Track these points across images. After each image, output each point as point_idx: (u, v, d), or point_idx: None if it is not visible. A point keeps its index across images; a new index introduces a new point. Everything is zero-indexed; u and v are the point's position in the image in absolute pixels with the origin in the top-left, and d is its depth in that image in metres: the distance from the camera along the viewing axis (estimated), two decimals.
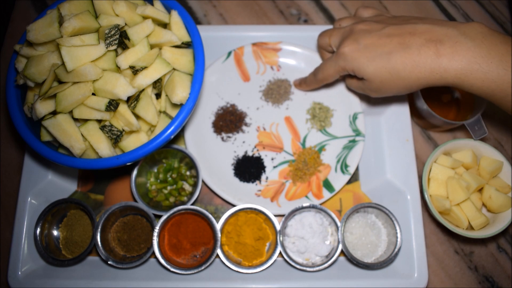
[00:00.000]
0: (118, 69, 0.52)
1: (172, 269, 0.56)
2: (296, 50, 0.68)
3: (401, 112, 0.64)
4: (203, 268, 0.56)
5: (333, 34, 0.58)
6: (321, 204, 0.62)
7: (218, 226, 0.58)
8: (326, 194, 0.62)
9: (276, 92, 0.67)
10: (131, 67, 0.51)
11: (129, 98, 0.52)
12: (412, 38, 0.50)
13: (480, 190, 0.61)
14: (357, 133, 0.64)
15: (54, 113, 0.52)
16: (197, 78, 0.54)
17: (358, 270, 0.59)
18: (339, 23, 0.60)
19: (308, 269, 0.57)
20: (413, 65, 0.50)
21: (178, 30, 0.56)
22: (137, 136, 0.54)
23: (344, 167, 0.63)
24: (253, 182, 0.63)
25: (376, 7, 0.76)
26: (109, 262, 0.56)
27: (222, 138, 0.66)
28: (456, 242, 0.64)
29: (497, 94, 0.47)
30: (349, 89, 0.65)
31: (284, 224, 0.58)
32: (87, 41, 0.50)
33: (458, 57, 0.47)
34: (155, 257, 0.58)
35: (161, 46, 0.55)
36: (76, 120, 0.53)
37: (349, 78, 0.61)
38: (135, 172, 0.60)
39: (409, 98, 0.66)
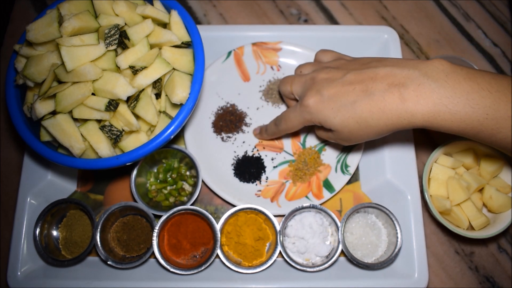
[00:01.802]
0: (118, 69, 0.52)
1: (171, 270, 0.56)
2: (296, 50, 0.68)
3: None
4: (203, 268, 0.56)
5: (294, 82, 0.57)
6: (321, 204, 0.61)
7: (218, 226, 0.57)
8: (326, 194, 0.62)
9: (276, 92, 0.67)
10: (131, 67, 0.51)
11: (129, 98, 0.52)
12: (374, 84, 0.48)
13: (481, 190, 0.61)
14: None
15: (53, 113, 0.52)
16: (197, 78, 0.54)
17: (358, 270, 0.59)
18: (300, 70, 0.59)
19: (308, 269, 0.57)
20: (379, 112, 0.48)
21: (178, 30, 0.56)
22: (137, 136, 0.54)
23: (344, 167, 0.63)
24: (253, 182, 0.63)
25: (376, 7, 0.76)
26: (108, 262, 0.56)
27: (222, 138, 0.65)
28: (456, 242, 0.64)
29: (469, 132, 0.46)
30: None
31: (284, 224, 0.58)
32: (86, 41, 0.50)
33: (423, 101, 0.46)
34: (155, 258, 0.57)
35: (161, 46, 0.55)
36: (75, 120, 0.53)
37: (317, 128, 0.59)
38: (134, 172, 0.60)
39: None
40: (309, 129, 0.66)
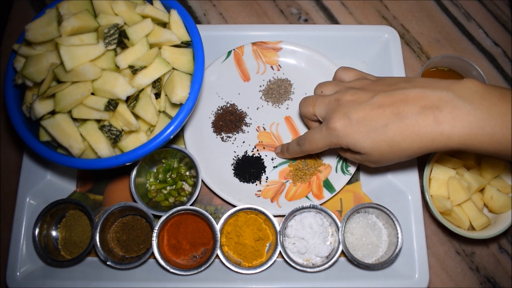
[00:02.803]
0: (117, 68, 0.52)
1: (171, 270, 0.56)
2: (296, 49, 0.68)
3: None
4: (202, 269, 0.56)
5: (317, 104, 0.54)
6: (321, 204, 0.61)
7: (217, 226, 0.57)
8: (327, 195, 0.62)
9: (276, 91, 0.67)
10: (131, 67, 0.51)
11: (128, 98, 0.52)
12: (406, 107, 0.47)
13: (482, 190, 0.61)
14: None
15: (52, 113, 0.52)
16: (196, 77, 0.54)
17: (359, 270, 0.59)
18: (321, 90, 0.56)
19: (308, 269, 0.57)
20: (413, 135, 0.47)
21: (178, 30, 0.56)
22: (137, 136, 0.54)
23: (344, 167, 0.63)
24: (253, 182, 0.63)
25: (376, 6, 0.76)
26: (108, 263, 0.56)
27: (222, 138, 0.65)
28: (457, 242, 0.64)
29: (505, 153, 0.45)
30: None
31: (284, 225, 0.58)
32: (86, 41, 0.49)
33: (460, 123, 0.45)
34: (154, 258, 0.57)
35: (160, 45, 0.55)
36: (75, 120, 0.52)
37: (343, 150, 0.56)
38: (134, 172, 0.60)
39: None
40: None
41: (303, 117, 0.59)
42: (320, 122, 0.56)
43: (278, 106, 0.67)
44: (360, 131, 0.49)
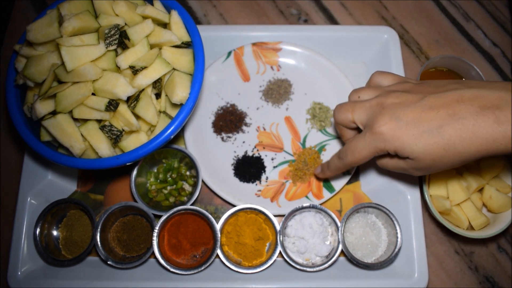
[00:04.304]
0: (118, 69, 0.52)
1: (171, 269, 0.56)
2: (296, 50, 0.68)
3: None
4: (203, 268, 0.56)
5: (356, 109, 0.50)
6: (321, 204, 0.61)
7: (218, 226, 0.57)
8: (326, 194, 0.62)
9: (276, 92, 0.67)
10: (131, 67, 0.51)
11: (129, 98, 0.52)
12: (462, 107, 0.44)
13: (481, 190, 0.61)
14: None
15: (53, 113, 0.52)
16: (197, 78, 0.54)
17: (358, 270, 0.59)
18: (358, 95, 0.52)
19: (308, 269, 0.57)
20: (471, 137, 0.43)
21: (178, 30, 0.56)
22: (137, 136, 0.54)
23: None
24: (253, 182, 0.63)
25: (376, 7, 0.76)
26: (108, 262, 0.56)
27: (222, 138, 0.65)
28: (456, 242, 0.64)
29: None
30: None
31: (284, 224, 0.58)
32: (87, 41, 0.50)
33: None
34: (155, 257, 0.57)
35: (161, 46, 0.55)
36: (76, 120, 0.53)
37: (382, 158, 0.52)
38: (135, 172, 0.60)
39: None
40: (309, 128, 0.66)
41: (338, 125, 0.54)
42: (359, 131, 0.53)
43: (278, 106, 0.67)
44: (411, 133, 0.45)
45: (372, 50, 0.69)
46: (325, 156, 0.64)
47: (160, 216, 0.58)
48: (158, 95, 0.56)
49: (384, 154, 0.50)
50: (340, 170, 0.56)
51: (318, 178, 0.63)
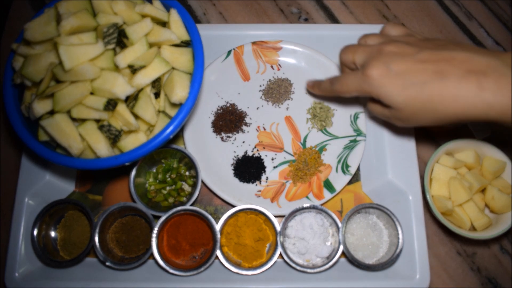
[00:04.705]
0: (116, 68, 0.52)
1: (171, 271, 0.56)
2: (296, 49, 0.68)
3: None
4: (202, 269, 0.56)
5: (358, 51, 0.52)
6: (321, 204, 0.61)
7: (217, 227, 0.57)
8: (327, 195, 0.61)
9: (276, 91, 0.67)
10: (130, 66, 0.51)
11: (127, 98, 0.52)
12: (450, 67, 0.45)
13: (483, 190, 0.61)
14: (358, 133, 0.64)
15: (51, 112, 0.51)
16: (196, 77, 0.54)
17: (359, 271, 0.59)
18: (365, 40, 0.54)
19: (308, 270, 0.56)
20: (451, 98, 0.45)
21: (177, 29, 0.56)
22: (136, 136, 0.54)
23: (345, 167, 0.62)
24: (253, 182, 0.63)
25: (377, 6, 0.76)
26: (107, 263, 0.56)
27: (222, 138, 0.65)
28: (458, 243, 0.63)
29: None
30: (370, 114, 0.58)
31: (284, 225, 0.58)
32: (85, 40, 0.49)
33: (504, 92, 0.42)
34: (154, 258, 0.57)
35: (160, 45, 0.55)
36: (74, 119, 0.52)
37: (372, 102, 0.55)
38: (133, 173, 0.60)
39: None
40: (310, 128, 0.66)
41: (342, 65, 0.56)
42: None
43: (278, 106, 0.67)
44: (396, 83, 0.47)
45: None
46: (326, 156, 0.64)
47: (159, 217, 0.57)
48: (157, 95, 0.55)
49: (373, 99, 0.52)
50: (327, 93, 0.59)
51: (309, 91, 0.66)
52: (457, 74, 0.45)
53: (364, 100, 0.66)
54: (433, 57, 0.47)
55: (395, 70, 0.47)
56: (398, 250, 0.56)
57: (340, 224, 0.57)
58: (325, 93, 0.59)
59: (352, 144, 0.63)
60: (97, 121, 0.52)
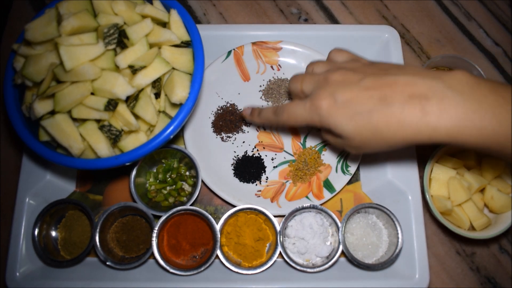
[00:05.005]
0: (117, 68, 0.52)
1: (171, 270, 0.56)
2: (296, 49, 0.68)
3: None
4: (202, 269, 0.56)
5: (305, 80, 0.52)
6: (321, 204, 0.61)
7: (217, 226, 0.57)
8: (327, 195, 0.61)
9: (276, 91, 0.67)
10: (130, 67, 0.51)
11: (128, 98, 0.52)
12: (393, 93, 0.45)
13: (482, 190, 0.61)
14: None
15: (52, 112, 0.51)
16: (196, 77, 0.54)
17: (359, 271, 0.59)
18: (312, 68, 0.55)
19: (308, 270, 0.57)
20: (397, 125, 0.45)
21: (178, 29, 0.56)
22: (136, 136, 0.54)
23: (345, 167, 0.63)
24: (253, 182, 0.63)
25: (377, 6, 0.76)
26: (107, 263, 0.56)
27: (222, 138, 0.65)
28: (457, 243, 0.63)
29: (494, 148, 0.44)
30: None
31: (284, 225, 0.58)
32: (85, 40, 0.49)
33: (447, 115, 0.43)
34: (154, 258, 0.57)
35: (160, 45, 0.55)
36: (74, 120, 0.52)
37: (324, 132, 0.54)
38: (134, 172, 0.60)
39: None
40: (310, 128, 0.66)
41: (291, 94, 0.56)
42: None
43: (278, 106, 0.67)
44: (344, 113, 0.47)
45: (373, 49, 0.68)
46: (326, 156, 0.64)
47: (159, 217, 0.58)
48: (157, 95, 0.55)
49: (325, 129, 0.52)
50: (269, 124, 0.58)
51: (242, 117, 0.64)
52: (400, 99, 0.45)
53: None
54: (376, 83, 0.47)
55: (341, 100, 0.47)
56: (397, 250, 0.56)
57: (339, 224, 0.58)
58: (267, 123, 0.58)
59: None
60: (98, 121, 0.52)
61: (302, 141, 0.65)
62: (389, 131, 0.46)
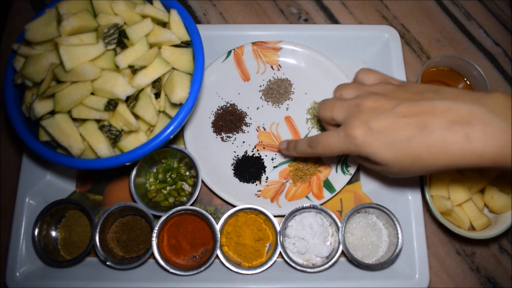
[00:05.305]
0: (117, 68, 0.52)
1: (171, 270, 0.56)
2: (296, 49, 0.68)
3: None
4: (202, 269, 0.56)
5: (335, 107, 0.51)
6: (321, 204, 0.61)
7: (217, 226, 0.57)
8: (327, 195, 0.61)
9: (276, 91, 0.67)
10: (130, 67, 0.51)
11: (128, 98, 0.52)
12: (433, 119, 0.44)
13: (482, 190, 0.61)
14: None
15: (52, 112, 0.51)
16: (196, 77, 0.54)
17: (359, 271, 0.59)
18: (340, 93, 0.53)
19: (308, 270, 0.57)
20: (439, 152, 0.44)
21: (178, 29, 0.56)
22: (136, 136, 0.54)
23: (344, 167, 0.63)
24: (253, 182, 0.63)
25: (376, 6, 0.76)
26: (107, 263, 0.56)
27: (222, 138, 0.65)
28: (457, 243, 0.63)
29: None
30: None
31: (284, 225, 0.58)
32: (85, 40, 0.49)
33: (493, 141, 0.42)
34: (154, 258, 0.57)
35: (160, 45, 0.55)
36: (74, 120, 0.52)
37: (361, 159, 0.53)
38: (134, 172, 0.60)
39: None
40: (310, 128, 0.66)
41: (322, 122, 0.55)
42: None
43: (278, 106, 0.67)
44: (381, 141, 0.46)
45: (373, 49, 0.68)
46: (326, 156, 0.64)
47: (159, 217, 0.58)
48: (157, 95, 0.55)
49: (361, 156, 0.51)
50: (305, 156, 0.58)
51: (279, 151, 0.63)
52: (441, 126, 0.44)
53: None
54: (413, 109, 0.45)
55: (376, 128, 0.46)
56: (397, 250, 0.56)
57: (339, 224, 0.58)
58: (304, 155, 0.57)
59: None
60: (98, 121, 0.52)
61: None
62: (430, 158, 0.45)
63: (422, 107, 0.45)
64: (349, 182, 0.63)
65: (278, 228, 0.58)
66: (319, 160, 0.63)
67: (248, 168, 0.63)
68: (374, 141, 0.46)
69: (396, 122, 0.45)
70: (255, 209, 0.58)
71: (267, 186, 0.63)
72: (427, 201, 0.59)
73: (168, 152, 0.62)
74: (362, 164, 0.55)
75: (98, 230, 0.57)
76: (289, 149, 0.59)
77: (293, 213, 0.58)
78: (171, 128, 0.52)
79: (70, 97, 0.49)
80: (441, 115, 0.44)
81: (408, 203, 0.60)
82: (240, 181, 0.63)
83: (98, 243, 0.57)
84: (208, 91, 0.67)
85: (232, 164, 0.64)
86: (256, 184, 0.63)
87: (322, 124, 0.57)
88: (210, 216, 0.57)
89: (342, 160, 0.63)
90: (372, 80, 0.53)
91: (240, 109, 0.66)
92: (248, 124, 0.66)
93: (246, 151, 0.65)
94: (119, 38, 0.51)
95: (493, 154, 0.42)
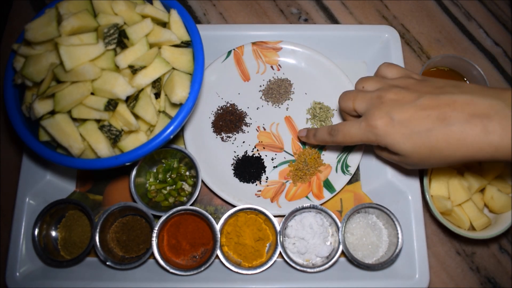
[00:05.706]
0: (117, 68, 0.52)
1: (171, 270, 0.56)
2: (296, 49, 0.68)
3: None
4: (202, 269, 0.56)
5: (357, 98, 0.52)
6: (321, 204, 0.61)
7: (217, 226, 0.57)
8: (327, 195, 0.61)
9: (276, 91, 0.67)
10: (130, 67, 0.51)
11: (128, 98, 0.52)
12: (453, 112, 0.45)
13: (482, 190, 0.61)
14: None
15: (52, 112, 0.51)
16: (196, 77, 0.54)
17: (359, 271, 0.59)
18: (362, 85, 0.54)
19: (308, 270, 0.57)
20: (457, 143, 0.45)
21: (178, 29, 0.56)
22: (136, 136, 0.54)
23: (344, 167, 0.63)
24: (253, 182, 0.63)
25: (376, 6, 0.76)
26: (107, 263, 0.56)
27: (222, 138, 0.65)
28: (457, 242, 0.63)
29: None
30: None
31: (284, 225, 0.58)
32: (85, 40, 0.49)
33: (510, 135, 0.43)
34: (154, 258, 0.57)
35: (160, 45, 0.55)
36: (74, 120, 0.52)
37: (379, 149, 0.56)
38: (134, 172, 0.60)
39: None
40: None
41: (342, 112, 0.57)
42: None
43: (278, 106, 0.67)
44: (402, 132, 0.48)
45: (373, 49, 0.68)
46: (325, 156, 0.64)
47: (159, 217, 0.58)
48: (157, 95, 0.55)
49: (380, 146, 0.52)
50: (324, 144, 0.59)
51: (298, 139, 0.65)
52: (461, 118, 0.45)
53: None
54: (433, 102, 0.47)
55: (397, 119, 0.48)
56: (397, 250, 0.56)
57: (339, 224, 0.58)
58: (323, 143, 0.59)
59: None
60: (98, 121, 0.52)
61: (302, 141, 0.65)
62: (449, 150, 0.46)
63: (442, 100, 0.47)
64: (349, 182, 0.63)
65: (278, 228, 0.58)
66: (319, 160, 0.63)
67: (248, 168, 0.63)
68: (394, 131, 0.48)
69: (417, 114, 0.47)
70: (255, 209, 0.58)
71: (267, 186, 0.63)
72: (427, 201, 0.59)
73: (168, 152, 0.62)
74: (380, 154, 0.57)
75: (98, 230, 0.57)
76: (309, 137, 0.60)
77: (293, 213, 0.58)
78: (171, 128, 0.52)
79: (70, 97, 0.49)
80: (461, 109, 0.45)
81: (408, 203, 0.60)
82: (240, 181, 0.63)
83: (98, 243, 0.57)
84: (208, 91, 0.67)
85: (232, 164, 0.64)
86: (256, 184, 0.63)
87: (342, 114, 0.58)
88: (210, 216, 0.57)
89: (342, 160, 0.63)
90: (394, 74, 0.54)
91: (240, 109, 0.66)
92: (248, 124, 0.66)
93: (246, 151, 0.65)
94: (119, 38, 0.51)
95: (510, 147, 0.43)
